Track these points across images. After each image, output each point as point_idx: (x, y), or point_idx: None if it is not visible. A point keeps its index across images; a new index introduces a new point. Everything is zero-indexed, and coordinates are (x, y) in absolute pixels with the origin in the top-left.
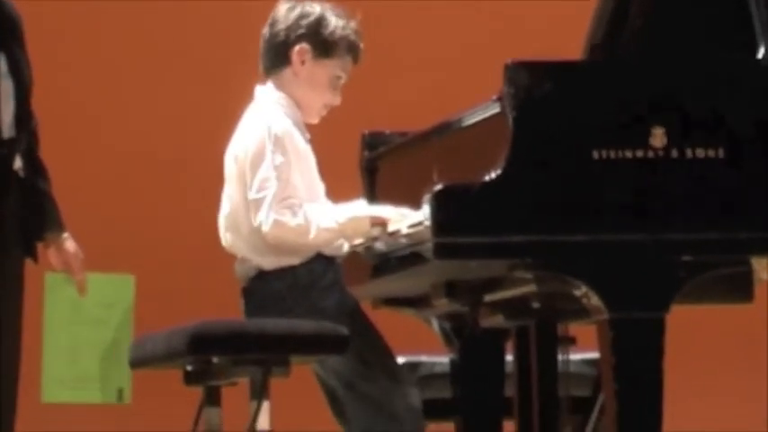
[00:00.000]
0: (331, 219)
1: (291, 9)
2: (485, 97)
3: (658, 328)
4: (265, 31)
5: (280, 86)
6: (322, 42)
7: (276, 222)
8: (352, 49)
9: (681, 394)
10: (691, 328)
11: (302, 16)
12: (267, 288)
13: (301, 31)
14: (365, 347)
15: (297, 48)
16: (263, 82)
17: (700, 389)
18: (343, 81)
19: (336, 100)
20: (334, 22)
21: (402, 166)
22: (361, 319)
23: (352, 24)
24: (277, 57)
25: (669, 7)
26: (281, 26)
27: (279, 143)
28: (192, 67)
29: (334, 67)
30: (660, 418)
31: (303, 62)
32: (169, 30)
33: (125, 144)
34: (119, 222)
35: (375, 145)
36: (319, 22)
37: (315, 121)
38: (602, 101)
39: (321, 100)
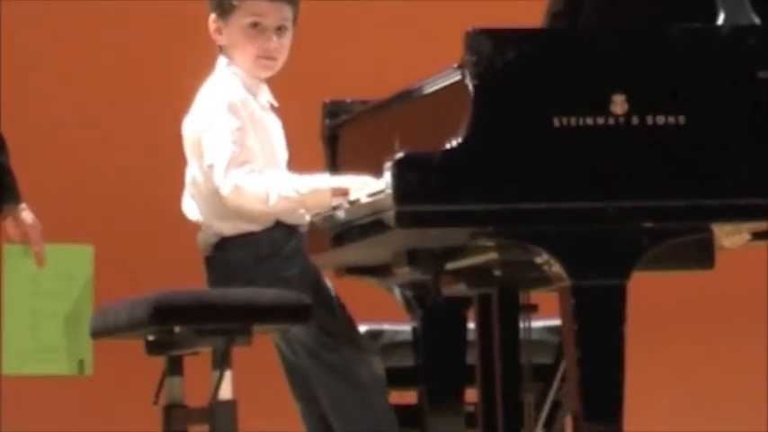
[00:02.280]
0: (292, 188)
1: None
2: (446, 65)
3: (620, 296)
4: None
5: (227, 58)
6: (219, 5)
7: (236, 187)
8: None
9: (642, 361)
10: (652, 294)
11: None
12: (230, 257)
13: (209, 5)
14: (328, 317)
15: (209, 22)
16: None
17: (661, 355)
18: (265, 22)
19: (268, 45)
20: None
21: (363, 134)
22: (323, 289)
23: None
24: (212, 35)
25: None
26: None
27: (232, 109)
28: (154, 36)
29: (241, 18)
30: (622, 384)
31: (219, 31)
32: (135, 6)
33: (82, 114)
34: (77, 192)
35: (336, 113)
36: None
37: (264, 73)
38: (562, 69)
39: (250, 53)
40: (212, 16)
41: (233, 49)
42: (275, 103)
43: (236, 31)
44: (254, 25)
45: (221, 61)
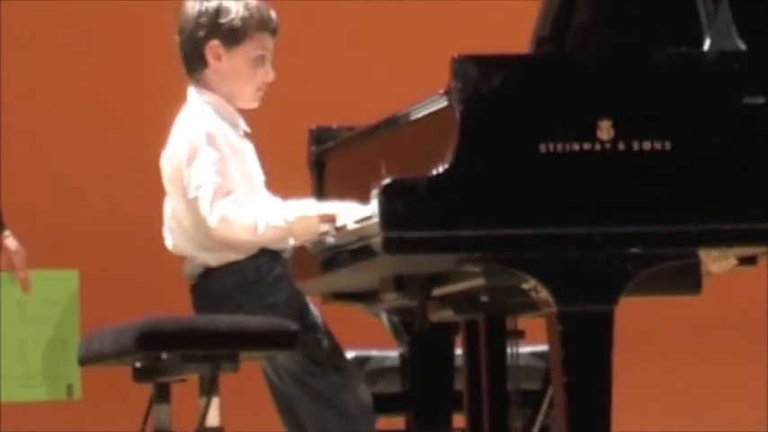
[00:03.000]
0: (280, 216)
1: (192, 8)
2: (432, 91)
3: (607, 321)
4: (175, 38)
5: (207, 86)
6: (228, 32)
7: (223, 218)
8: (263, 25)
9: (630, 387)
10: (639, 320)
11: (201, 14)
12: (215, 285)
13: (206, 29)
14: (314, 344)
15: (207, 47)
16: (193, 84)
17: (649, 382)
18: (268, 57)
19: (268, 77)
20: (234, 7)
21: (350, 160)
22: (310, 315)
23: (253, 1)
24: (194, 61)
25: (615, 1)
26: (187, 31)
27: (211, 140)
28: (142, 62)
29: (250, 50)
30: (609, 410)
31: (219, 58)
32: (106, 29)
33: (67, 139)
34: (61, 218)
35: (323, 139)
36: (218, 13)
37: (255, 104)
38: (549, 94)
39: (251, 85)
40: (215, 42)
41: (229, 79)
42: (249, 130)
43: (243, 61)
44: (260, 57)
45: (196, 94)
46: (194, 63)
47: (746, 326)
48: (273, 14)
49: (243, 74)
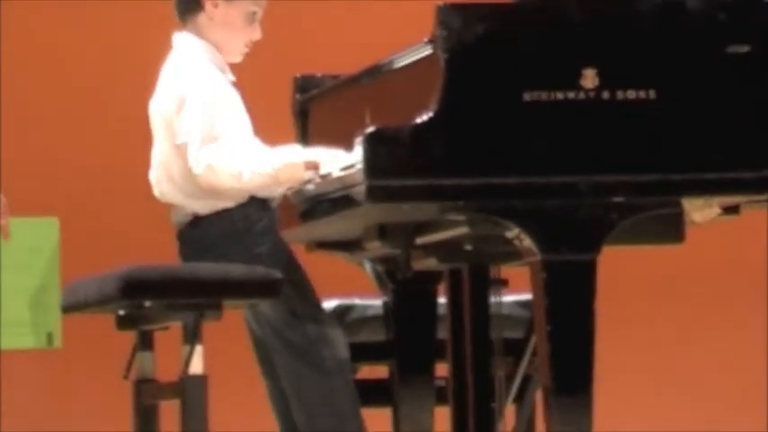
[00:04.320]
0: (266, 163)
1: None
2: (416, 39)
3: (590, 270)
4: None
5: (197, 33)
6: None
7: (209, 166)
8: None
9: (612, 336)
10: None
11: None
12: (202, 234)
13: None
14: (296, 296)
15: None
16: (180, 29)
17: (631, 331)
18: (259, 15)
19: (256, 35)
20: None
21: (334, 108)
22: (293, 267)
23: None
24: (189, 4)
25: None
26: None
27: (202, 87)
28: (117, 8)
29: (247, 5)
30: (592, 359)
31: (216, 5)
32: None
33: (47, 88)
34: (42, 166)
35: (307, 88)
36: None
37: (238, 59)
38: (533, 43)
39: (241, 39)
40: None
41: (221, 28)
42: (235, 80)
43: (238, 14)
44: (253, 14)
45: (184, 37)
46: (190, 6)
47: (728, 274)
48: None
49: (236, 26)
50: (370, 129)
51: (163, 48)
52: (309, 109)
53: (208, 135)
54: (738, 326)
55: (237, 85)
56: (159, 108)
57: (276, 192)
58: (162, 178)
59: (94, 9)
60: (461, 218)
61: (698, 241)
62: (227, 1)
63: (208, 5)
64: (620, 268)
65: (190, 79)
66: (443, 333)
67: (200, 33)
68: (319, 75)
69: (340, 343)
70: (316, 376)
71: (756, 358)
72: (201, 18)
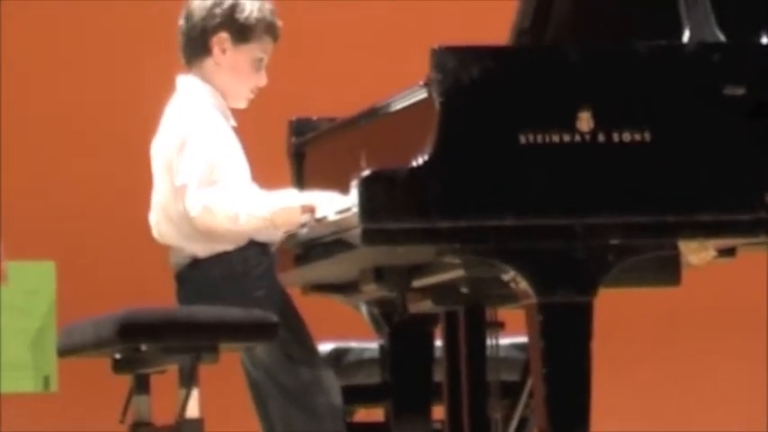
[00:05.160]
0: (262, 206)
1: None
2: (412, 82)
3: (586, 312)
4: (181, 23)
5: (203, 77)
6: (239, 28)
7: (205, 208)
8: (271, 30)
9: (609, 378)
10: (619, 311)
11: (216, 4)
12: (201, 276)
13: (217, 19)
14: (291, 341)
15: (215, 37)
16: (186, 72)
17: (628, 373)
18: (265, 61)
19: (261, 81)
20: (249, 6)
21: (330, 151)
22: (290, 311)
23: (267, 5)
24: (197, 48)
25: None
26: (197, 17)
27: (204, 130)
28: (117, 55)
29: (255, 51)
30: (588, 401)
31: (224, 51)
32: (95, 15)
33: (45, 129)
34: (39, 208)
35: (303, 131)
36: (234, 7)
37: (243, 105)
38: (528, 86)
39: (247, 85)
40: (223, 34)
41: (227, 73)
42: (236, 125)
43: (245, 60)
44: (260, 60)
45: (188, 80)
46: (197, 51)
47: (725, 318)
48: (280, 22)
49: (242, 72)
50: (366, 172)
51: (165, 90)
52: (305, 152)
53: (206, 178)
54: (737, 368)
55: (236, 129)
56: (160, 149)
57: (275, 235)
58: (161, 220)
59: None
60: (457, 260)
61: (695, 283)
62: (235, 47)
63: (216, 50)
64: (617, 310)
65: (192, 122)
66: (440, 375)
67: (205, 77)
68: (315, 118)
69: (334, 389)
70: (308, 421)
71: (756, 401)
72: (208, 63)
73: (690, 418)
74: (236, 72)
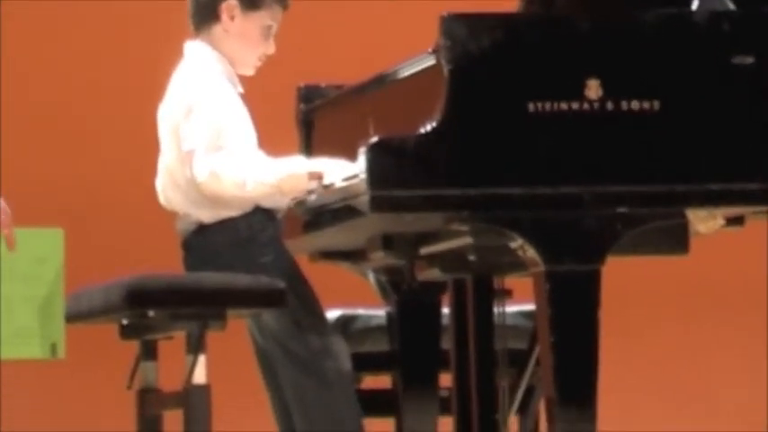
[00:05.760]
0: (269, 173)
1: None
2: (420, 49)
3: (594, 280)
4: None
5: (211, 43)
6: None
7: (212, 173)
8: None
9: (617, 346)
10: (626, 279)
11: None
12: (207, 243)
13: None
14: (299, 307)
15: (225, 3)
16: (194, 38)
17: (635, 340)
18: (274, 29)
19: (270, 49)
20: None
21: (338, 119)
22: (297, 278)
23: None
24: (205, 14)
25: None
26: None
27: (210, 96)
28: (123, 21)
29: (264, 18)
30: (596, 369)
31: (232, 17)
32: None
33: (53, 98)
34: (47, 176)
35: (311, 98)
36: None
37: (251, 72)
38: (537, 53)
39: (255, 52)
40: (233, 1)
41: (236, 40)
42: (243, 92)
43: (254, 27)
44: (269, 28)
45: (196, 46)
46: (206, 16)
47: (733, 286)
48: None
49: (251, 40)
50: (374, 139)
51: (170, 54)
52: (313, 119)
53: (213, 144)
54: (742, 336)
55: (244, 96)
56: (167, 115)
57: (281, 202)
58: (168, 185)
59: (99, 13)
60: (465, 228)
61: (702, 251)
62: (244, 14)
63: (224, 17)
64: (625, 278)
65: (199, 88)
66: (447, 343)
67: (213, 44)
68: (323, 85)
69: (343, 355)
70: (318, 388)
71: (760, 370)
72: (217, 29)
73: (695, 386)
74: (245, 39)
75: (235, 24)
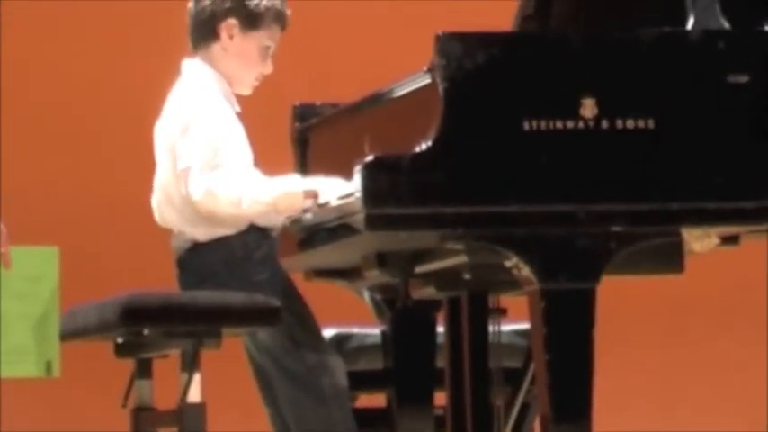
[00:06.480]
0: (265, 192)
1: None
2: (416, 68)
3: (588, 299)
4: (191, 6)
5: (209, 61)
6: (249, 15)
7: (208, 192)
8: (280, 18)
9: (611, 364)
10: (621, 298)
11: None
12: (202, 261)
13: (227, 4)
14: (295, 324)
15: (224, 23)
16: (192, 56)
17: (630, 358)
18: (272, 49)
19: (267, 69)
20: None
21: (333, 137)
22: (292, 295)
23: None
24: (204, 32)
25: None
26: (207, 1)
27: (207, 115)
28: (122, 36)
29: (263, 38)
30: (591, 388)
31: (231, 37)
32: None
33: (47, 115)
34: (42, 194)
35: (306, 116)
36: None
37: (248, 92)
38: (532, 72)
39: (253, 72)
40: (232, 21)
41: (234, 59)
42: (240, 111)
43: (253, 47)
44: (267, 48)
45: (194, 64)
46: (204, 35)
47: (727, 305)
48: (289, 11)
49: (250, 59)
50: (369, 157)
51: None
52: (308, 137)
53: (209, 162)
54: (740, 354)
55: (240, 115)
56: (164, 132)
57: (277, 221)
58: (163, 203)
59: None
60: (460, 246)
61: (698, 270)
62: (243, 33)
63: (224, 36)
64: (621, 297)
65: (196, 106)
66: (442, 361)
67: (211, 62)
68: (318, 103)
69: (339, 371)
70: (314, 404)
71: (758, 390)
72: (215, 48)
73: (692, 405)
74: (243, 59)
75: (234, 44)
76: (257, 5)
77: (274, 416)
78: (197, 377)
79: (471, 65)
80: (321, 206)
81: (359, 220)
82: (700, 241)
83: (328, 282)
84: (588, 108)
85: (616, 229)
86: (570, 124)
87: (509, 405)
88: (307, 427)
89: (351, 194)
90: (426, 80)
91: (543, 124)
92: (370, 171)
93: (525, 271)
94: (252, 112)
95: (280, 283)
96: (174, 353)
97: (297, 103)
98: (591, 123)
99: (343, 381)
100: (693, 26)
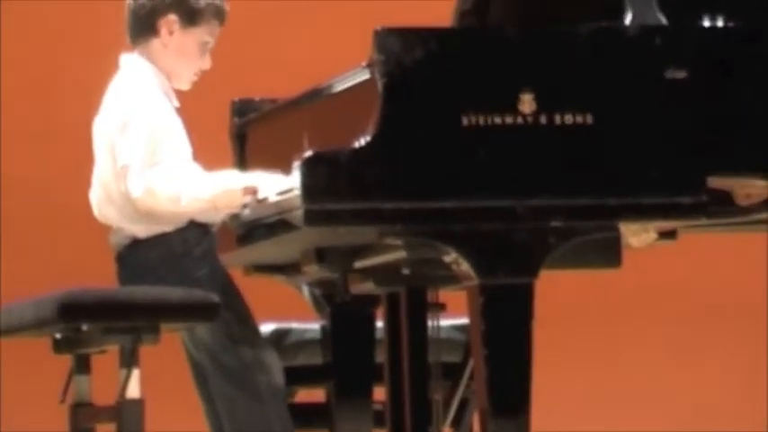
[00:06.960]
0: (204, 188)
1: None
2: (355, 63)
3: (527, 294)
4: (130, 1)
5: (148, 56)
6: (188, 11)
7: (147, 190)
8: (219, 14)
9: (550, 359)
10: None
11: None
12: (141, 257)
13: (168, 0)
14: (233, 321)
15: (164, 18)
16: (130, 51)
17: (568, 353)
18: (211, 45)
19: (206, 64)
20: None
21: (272, 132)
22: (231, 292)
23: None
24: (144, 28)
25: None
26: None
27: (146, 111)
28: (59, 33)
29: (203, 34)
30: (529, 383)
31: (171, 32)
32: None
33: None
34: None
35: (245, 112)
36: None
37: (186, 87)
38: (471, 67)
39: (192, 67)
40: (172, 16)
41: (173, 55)
42: (179, 106)
43: (192, 43)
44: (206, 44)
45: (132, 59)
46: (144, 30)
47: (665, 300)
48: (227, 7)
49: (189, 55)
50: (308, 153)
51: (107, 68)
52: (247, 133)
53: (148, 159)
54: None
55: (179, 110)
56: (102, 128)
57: (216, 217)
58: (102, 199)
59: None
60: (399, 242)
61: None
62: (183, 29)
63: (163, 32)
64: (559, 291)
65: (135, 102)
66: (381, 356)
67: (150, 58)
68: (257, 98)
69: (275, 369)
70: (249, 401)
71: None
72: (155, 43)
73: (619, 399)
74: (183, 54)
75: (173, 39)
76: (197, 2)
77: (210, 412)
78: (136, 373)
79: (410, 60)
80: (260, 202)
81: (298, 215)
82: (637, 236)
83: (268, 277)
84: (526, 103)
85: (554, 223)
86: (509, 119)
87: (448, 400)
88: (241, 423)
89: (290, 190)
90: (365, 75)
91: (482, 119)
92: (308, 166)
93: (464, 266)
94: (191, 107)
95: (219, 280)
96: (113, 348)
97: (235, 99)
98: (529, 118)
99: (279, 379)
100: (631, 21)
